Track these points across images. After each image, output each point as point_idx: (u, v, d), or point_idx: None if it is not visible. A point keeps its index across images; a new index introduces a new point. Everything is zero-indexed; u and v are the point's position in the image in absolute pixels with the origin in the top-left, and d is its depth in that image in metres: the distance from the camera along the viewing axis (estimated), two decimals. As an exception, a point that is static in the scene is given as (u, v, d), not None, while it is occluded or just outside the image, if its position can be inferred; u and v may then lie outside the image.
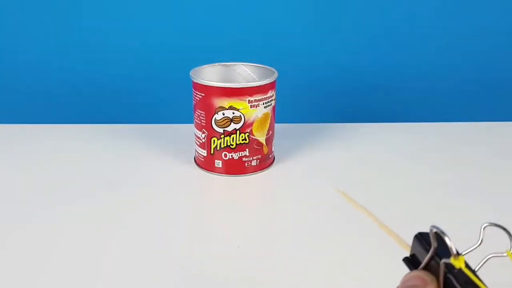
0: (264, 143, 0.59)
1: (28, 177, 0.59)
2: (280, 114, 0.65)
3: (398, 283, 0.30)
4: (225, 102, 0.55)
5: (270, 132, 0.59)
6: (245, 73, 0.63)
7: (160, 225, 0.50)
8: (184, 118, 0.70)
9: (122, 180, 0.59)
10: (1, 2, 0.78)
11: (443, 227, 0.29)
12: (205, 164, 0.59)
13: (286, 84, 0.65)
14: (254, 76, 0.63)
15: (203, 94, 0.56)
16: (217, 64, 0.63)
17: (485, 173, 0.63)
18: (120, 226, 0.50)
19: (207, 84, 0.55)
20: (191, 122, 0.61)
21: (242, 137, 0.56)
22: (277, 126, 0.64)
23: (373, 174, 0.62)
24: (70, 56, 0.81)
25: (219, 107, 0.55)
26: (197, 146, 0.60)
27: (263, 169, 0.60)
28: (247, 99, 0.55)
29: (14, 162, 0.63)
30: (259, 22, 0.80)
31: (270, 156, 0.61)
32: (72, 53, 0.81)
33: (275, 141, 0.63)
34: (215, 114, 0.56)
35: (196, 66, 0.61)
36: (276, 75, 0.59)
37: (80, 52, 0.81)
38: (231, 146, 0.57)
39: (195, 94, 0.57)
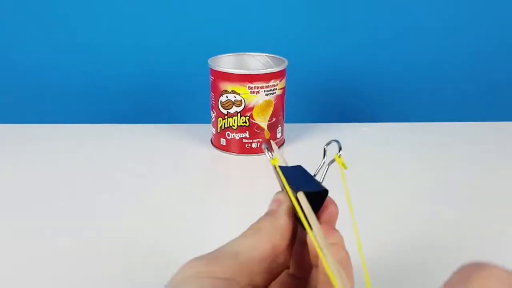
0: (266, 129, 0.64)
1: (28, 177, 0.61)
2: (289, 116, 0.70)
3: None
4: (228, 86, 0.62)
5: (274, 119, 0.64)
6: (268, 64, 0.68)
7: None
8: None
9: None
10: (1, 2, 0.81)
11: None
12: (214, 141, 0.67)
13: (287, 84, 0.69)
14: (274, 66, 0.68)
15: (213, 78, 0.63)
16: (242, 53, 0.70)
17: (486, 173, 0.63)
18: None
19: (215, 69, 0.63)
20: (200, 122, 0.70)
21: (242, 120, 0.63)
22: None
23: (373, 174, 0.62)
24: (72, 55, 0.84)
25: (223, 90, 0.62)
26: (211, 125, 0.67)
27: (263, 152, 0.64)
28: (247, 85, 0.61)
29: (14, 162, 0.64)
30: (258, 21, 0.83)
31: (275, 142, 0.66)
32: (73, 53, 0.84)
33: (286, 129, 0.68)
34: (220, 96, 0.63)
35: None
36: (284, 65, 0.64)
37: (81, 52, 0.83)
38: (232, 127, 0.63)
39: (210, 77, 0.65)
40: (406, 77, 0.86)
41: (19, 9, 0.80)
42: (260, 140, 0.64)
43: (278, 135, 0.66)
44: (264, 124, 0.63)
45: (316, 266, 0.28)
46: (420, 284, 0.43)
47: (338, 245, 0.28)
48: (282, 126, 0.67)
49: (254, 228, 0.30)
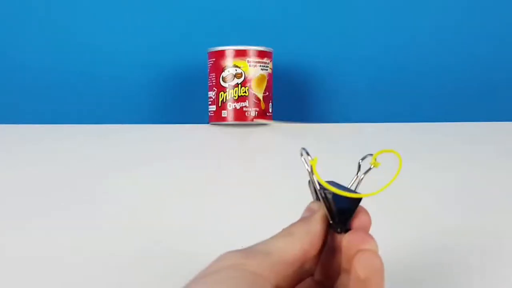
0: (262, 100, 0.74)
1: (28, 177, 0.61)
2: (280, 113, 0.77)
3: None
4: (230, 61, 0.73)
5: (267, 93, 0.75)
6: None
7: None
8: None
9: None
10: (1, 2, 0.83)
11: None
12: (215, 117, 0.76)
13: (286, 83, 0.76)
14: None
15: (214, 59, 0.75)
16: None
17: (486, 173, 0.62)
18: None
19: (218, 50, 0.74)
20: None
21: (243, 90, 0.73)
22: (277, 125, 0.74)
23: (372, 175, 0.59)
24: (72, 55, 0.85)
25: (225, 66, 0.74)
26: (209, 106, 0.76)
27: (259, 118, 0.74)
28: (247, 59, 0.73)
29: (14, 162, 0.64)
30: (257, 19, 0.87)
31: (268, 114, 0.76)
32: (73, 53, 0.85)
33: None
34: (222, 72, 0.74)
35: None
36: (271, 50, 0.75)
37: (81, 52, 0.85)
38: (234, 97, 0.73)
39: (209, 62, 0.76)
40: (405, 77, 0.88)
41: (19, 8, 0.81)
42: (257, 109, 0.74)
43: (270, 110, 0.76)
44: (260, 95, 0.74)
45: (348, 271, 0.29)
46: (419, 284, 0.45)
47: (372, 251, 0.29)
48: (272, 102, 0.76)
49: (287, 231, 0.31)
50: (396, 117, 0.86)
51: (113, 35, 0.85)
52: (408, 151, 0.63)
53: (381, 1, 0.87)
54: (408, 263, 0.47)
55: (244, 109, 0.73)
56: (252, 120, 0.74)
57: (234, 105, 0.73)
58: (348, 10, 0.88)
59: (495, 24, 0.86)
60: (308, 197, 0.48)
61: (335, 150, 0.66)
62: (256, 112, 0.74)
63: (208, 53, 0.76)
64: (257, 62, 0.73)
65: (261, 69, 0.73)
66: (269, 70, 0.75)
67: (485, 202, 0.56)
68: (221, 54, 0.74)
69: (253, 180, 0.62)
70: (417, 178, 0.60)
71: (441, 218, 0.53)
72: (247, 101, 0.73)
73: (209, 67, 0.76)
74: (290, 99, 0.76)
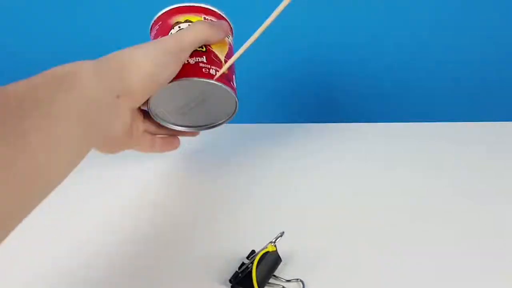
0: (223, 62, 0.56)
1: None
2: (275, 114, 0.74)
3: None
4: (181, 17, 0.57)
5: (228, 59, 0.57)
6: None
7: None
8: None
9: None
10: (1, 2, 0.83)
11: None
12: None
13: (283, 82, 0.72)
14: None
15: (160, 22, 0.58)
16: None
17: (485, 173, 0.63)
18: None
19: (164, 11, 0.59)
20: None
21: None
22: (273, 125, 0.71)
23: (372, 175, 0.62)
24: (72, 55, 0.79)
25: (175, 23, 0.57)
26: None
27: (224, 83, 0.54)
28: (203, 16, 0.58)
29: None
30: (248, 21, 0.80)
31: (232, 84, 0.57)
32: (74, 53, 0.82)
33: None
34: (171, 29, 0.56)
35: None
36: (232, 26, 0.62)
37: (82, 51, 0.82)
38: (186, 52, 0.54)
39: (153, 31, 0.59)
40: (405, 77, 0.86)
41: (19, 7, 0.80)
42: (218, 69, 0.54)
43: (235, 83, 0.58)
44: (221, 56, 0.56)
45: None
46: (415, 284, 0.46)
47: None
48: (235, 77, 0.59)
49: None
50: (395, 117, 0.85)
51: (114, 34, 0.84)
52: (407, 151, 0.70)
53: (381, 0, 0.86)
54: (406, 262, 0.48)
55: (201, 64, 0.54)
56: (213, 78, 0.53)
57: (188, 60, 0.53)
58: (346, 9, 0.85)
59: (496, 23, 0.86)
60: (305, 201, 0.60)
61: (334, 150, 0.69)
62: (216, 72, 0.54)
63: (151, 24, 0.60)
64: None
65: (220, 31, 0.57)
66: (230, 40, 0.60)
67: (484, 203, 0.56)
68: (171, 13, 0.58)
69: (251, 180, 0.63)
70: (416, 178, 0.62)
71: (439, 220, 0.54)
72: (204, 57, 0.54)
73: (153, 35, 0.59)
74: (288, 99, 0.75)
